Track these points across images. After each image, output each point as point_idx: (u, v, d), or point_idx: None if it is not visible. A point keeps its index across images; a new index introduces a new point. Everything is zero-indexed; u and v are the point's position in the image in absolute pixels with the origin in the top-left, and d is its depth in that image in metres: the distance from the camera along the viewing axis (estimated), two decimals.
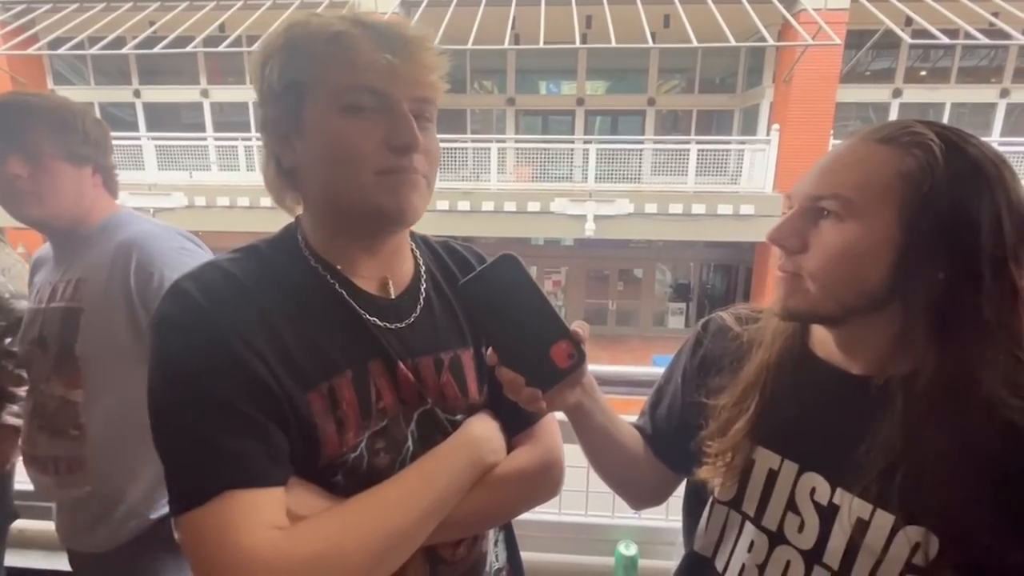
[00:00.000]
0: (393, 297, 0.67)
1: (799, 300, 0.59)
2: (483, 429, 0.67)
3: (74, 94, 11.12)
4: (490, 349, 0.58)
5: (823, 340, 0.64)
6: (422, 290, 0.70)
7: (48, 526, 1.69)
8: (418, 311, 0.68)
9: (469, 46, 8.07)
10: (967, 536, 0.51)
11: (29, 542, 1.67)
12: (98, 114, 1.15)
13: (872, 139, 0.56)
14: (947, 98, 10.31)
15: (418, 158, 0.59)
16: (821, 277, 0.57)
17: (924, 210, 0.52)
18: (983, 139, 0.55)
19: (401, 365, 0.63)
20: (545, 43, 8.08)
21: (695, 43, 7.74)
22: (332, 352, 0.59)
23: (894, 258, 0.54)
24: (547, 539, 1.71)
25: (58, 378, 1.03)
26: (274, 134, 0.60)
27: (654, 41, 8.14)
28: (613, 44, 7.94)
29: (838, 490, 0.59)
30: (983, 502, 0.50)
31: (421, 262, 0.72)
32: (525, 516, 0.74)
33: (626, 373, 1.55)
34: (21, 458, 1.17)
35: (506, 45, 8.62)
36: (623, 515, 1.73)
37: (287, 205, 0.65)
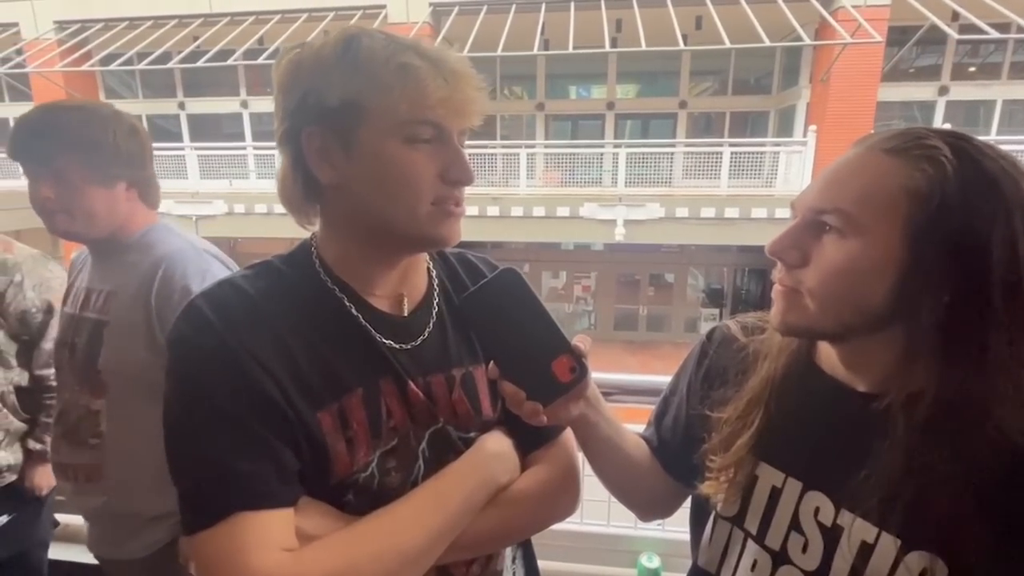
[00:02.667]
0: (406, 314, 0.67)
1: (797, 316, 0.57)
2: (497, 447, 0.67)
3: (124, 107, 11.57)
4: (491, 363, 0.58)
5: (828, 355, 0.63)
6: (435, 306, 0.70)
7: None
8: (431, 327, 0.68)
9: (499, 52, 8.13)
10: (973, 563, 0.49)
11: (72, 537, 1.76)
12: (146, 126, 1.16)
13: (880, 149, 0.54)
14: (998, 95, 9.83)
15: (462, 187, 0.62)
16: (820, 294, 0.55)
17: (931, 230, 0.50)
18: (1001, 148, 0.52)
19: (411, 384, 0.63)
20: (574, 48, 8.08)
21: (728, 44, 7.61)
22: (342, 371, 0.60)
23: (897, 278, 0.51)
24: (569, 549, 1.70)
25: (82, 388, 1.06)
26: (310, 148, 0.58)
27: (685, 43, 8.02)
28: (643, 47, 7.88)
29: (842, 511, 0.57)
30: (989, 530, 0.48)
31: (435, 275, 0.73)
32: None
33: (654, 382, 1.53)
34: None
35: (535, 51, 8.66)
36: (646, 526, 1.71)
37: (308, 220, 0.64)
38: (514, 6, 8.77)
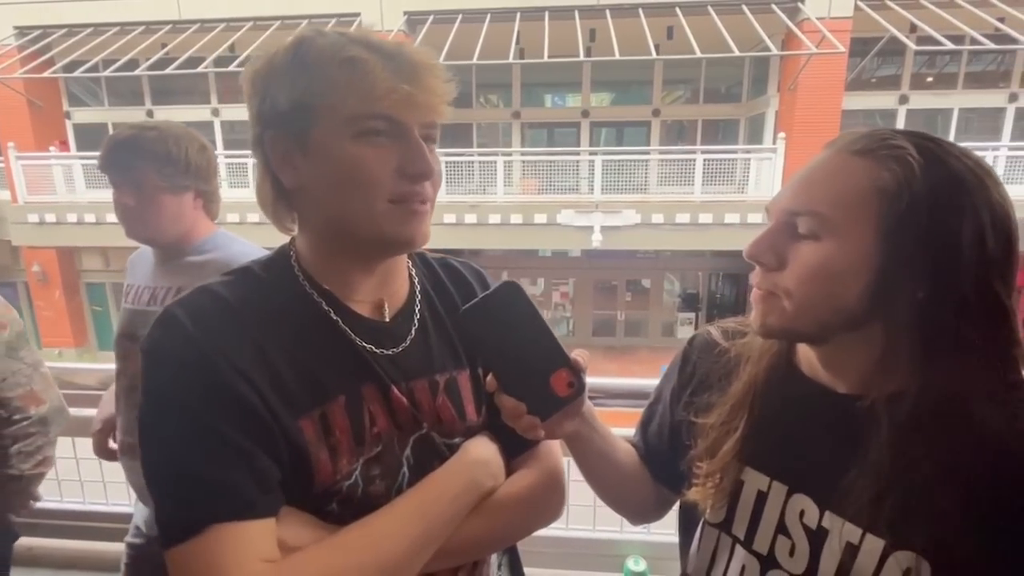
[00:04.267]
0: (387, 320, 0.66)
1: (776, 318, 0.58)
2: (481, 452, 0.66)
3: (89, 116, 11.42)
4: (490, 376, 0.58)
5: (808, 357, 0.63)
6: (416, 311, 0.69)
7: (57, 544, 1.71)
8: (413, 333, 0.67)
9: (474, 61, 8.15)
10: (958, 562, 0.50)
11: (38, 561, 1.68)
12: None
13: (849, 151, 0.55)
14: (955, 104, 10.22)
15: (427, 184, 0.60)
16: (797, 296, 0.56)
17: (902, 227, 0.51)
18: (966, 148, 0.53)
19: (394, 389, 0.62)
20: (549, 57, 8.15)
21: (698, 54, 7.78)
22: (324, 378, 0.59)
23: (872, 277, 0.53)
24: (554, 554, 1.69)
25: None
26: (274, 153, 0.59)
27: (658, 53, 8.18)
28: (617, 56, 7.99)
29: (827, 513, 0.58)
30: (974, 528, 0.49)
31: (416, 280, 0.72)
32: None
33: (634, 385, 1.54)
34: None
35: (511, 59, 8.71)
36: (632, 530, 1.71)
37: (285, 225, 0.64)
38: (489, 15, 8.81)
